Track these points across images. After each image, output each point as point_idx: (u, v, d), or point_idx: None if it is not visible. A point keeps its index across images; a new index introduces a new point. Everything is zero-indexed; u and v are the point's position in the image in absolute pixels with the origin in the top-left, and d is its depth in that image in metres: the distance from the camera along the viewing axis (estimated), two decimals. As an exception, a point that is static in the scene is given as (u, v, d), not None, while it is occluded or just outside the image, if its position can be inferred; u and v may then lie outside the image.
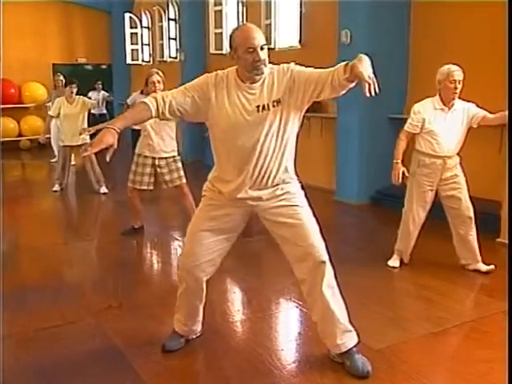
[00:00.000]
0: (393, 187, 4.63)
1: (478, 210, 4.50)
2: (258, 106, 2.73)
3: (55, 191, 8.05)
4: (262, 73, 2.72)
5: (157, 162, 5.33)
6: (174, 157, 5.41)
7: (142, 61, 14.06)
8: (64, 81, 9.17)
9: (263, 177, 2.83)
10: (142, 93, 9.58)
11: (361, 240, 5.80)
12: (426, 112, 4.37)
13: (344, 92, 2.67)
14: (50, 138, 10.04)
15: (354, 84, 2.58)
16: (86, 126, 7.85)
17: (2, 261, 4.81)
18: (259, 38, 2.66)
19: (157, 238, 5.81)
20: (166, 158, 5.35)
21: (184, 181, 5.43)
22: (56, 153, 8.89)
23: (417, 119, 4.39)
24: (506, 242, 5.10)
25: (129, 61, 14.22)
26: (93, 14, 14.48)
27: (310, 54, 8.45)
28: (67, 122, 7.75)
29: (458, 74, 4.24)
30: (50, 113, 8.04)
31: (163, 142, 5.31)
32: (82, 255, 5.45)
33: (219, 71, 2.83)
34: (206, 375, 3.03)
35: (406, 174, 4.42)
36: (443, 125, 4.36)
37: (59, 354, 3.22)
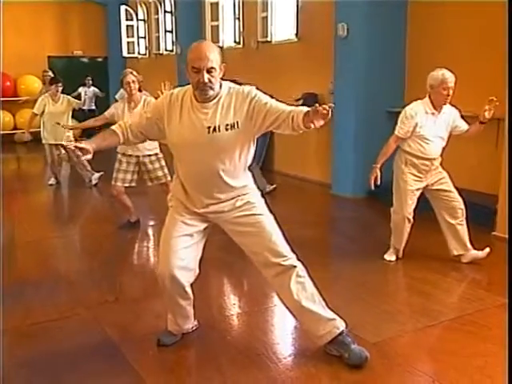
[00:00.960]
0: (390, 181, 4.62)
1: (474, 203, 4.51)
2: (208, 127, 2.72)
3: (51, 185, 8.05)
4: (206, 95, 2.68)
5: (141, 159, 5.45)
6: (156, 154, 5.51)
7: (138, 53, 14.02)
8: (53, 76, 9.04)
9: (220, 193, 2.87)
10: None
11: (357, 234, 5.80)
12: (417, 116, 4.32)
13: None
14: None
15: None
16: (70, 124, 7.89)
17: (1, 255, 4.80)
18: (208, 60, 2.61)
19: (152, 231, 5.81)
20: (149, 155, 5.46)
21: (169, 178, 5.45)
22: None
23: (409, 124, 4.34)
24: (502, 235, 5.11)
25: (125, 53, 14.17)
26: (89, 7, 14.40)
27: (306, 48, 8.45)
28: (51, 121, 7.73)
29: (451, 80, 4.20)
30: (34, 110, 7.94)
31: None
32: (77, 249, 5.45)
33: (177, 89, 2.86)
34: (202, 369, 3.03)
35: (378, 182, 4.40)
36: (433, 128, 4.35)
37: (55, 348, 3.21)
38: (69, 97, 8.10)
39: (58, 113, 7.76)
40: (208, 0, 10.72)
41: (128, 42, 14.08)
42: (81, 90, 12.07)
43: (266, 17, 9.24)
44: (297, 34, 8.60)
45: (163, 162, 5.55)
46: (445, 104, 4.29)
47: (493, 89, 5.45)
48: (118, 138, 2.86)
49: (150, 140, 3.20)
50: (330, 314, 2.99)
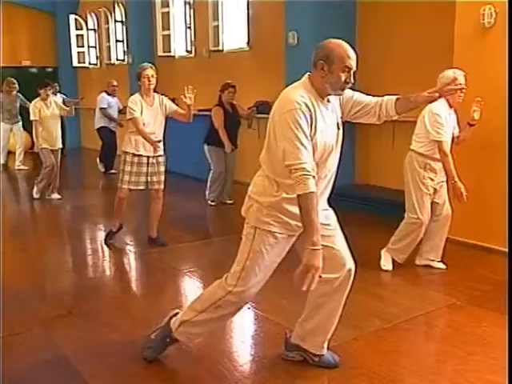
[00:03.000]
0: (349, 188, 4.65)
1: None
2: (337, 124, 2.70)
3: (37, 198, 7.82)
4: (342, 94, 2.68)
5: (151, 160, 5.21)
6: (163, 156, 5.31)
7: (89, 63, 13.81)
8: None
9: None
10: (107, 93, 9.77)
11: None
12: (445, 120, 4.30)
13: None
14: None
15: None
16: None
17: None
18: (355, 62, 2.58)
19: (108, 244, 5.70)
20: (161, 155, 5.25)
21: (162, 186, 5.34)
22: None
23: (446, 125, 4.28)
24: (454, 237, 5.23)
25: (75, 63, 13.93)
26: (36, 16, 14.09)
27: (258, 56, 8.52)
28: (48, 125, 7.53)
29: (462, 78, 4.22)
30: (33, 118, 7.56)
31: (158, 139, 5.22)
32: (30, 263, 5.30)
33: (296, 95, 2.54)
34: (158, 380, 2.99)
35: (465, 193, 4.24)
36: (450, 129, 4.37)
37: (6, 366, 3.11)
38: (56, 99, 7.99)
39: (54, 116, 7.61)
40: (159, 9, 10.68)
41: (78, 52, 13.84)
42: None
43: (218, 26, 9.26)
44: (248, 43, 8.66)
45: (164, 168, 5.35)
46: (458, 102, 4.31)
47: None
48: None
49: None
50: None
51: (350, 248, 2.88)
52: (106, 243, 5.53)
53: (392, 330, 3.56)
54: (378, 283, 4.31)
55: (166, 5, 10.51)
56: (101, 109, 9.77)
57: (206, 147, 7.18)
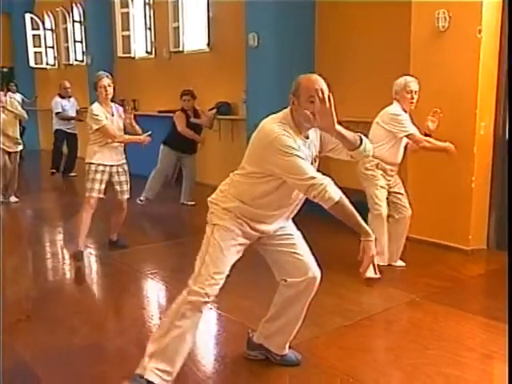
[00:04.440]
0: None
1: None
2: (314, 158, 2.69)
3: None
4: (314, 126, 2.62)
5: (114, 169, 5.09)
6: (124, 165, 5.19)
7: (47, 64, 13.57)
8: None
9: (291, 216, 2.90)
10: (60, 97, 9.46)
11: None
12: (406, 117, 4.45)
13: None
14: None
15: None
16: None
17: None
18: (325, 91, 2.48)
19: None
20: (121, 164, 5.13)
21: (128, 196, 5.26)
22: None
23: (407, 121, 4.43)
24: (413, 236, 5.34)
25: (32, 64, 13.67)
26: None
27: (218, 58, 8.53)
28: (5, 127, 7.32)
29: (413, 84, 4.41)
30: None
31: (117, 149, 5.12)
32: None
33: (277, 127, 2.53)
34: (118, 382, 2.97)
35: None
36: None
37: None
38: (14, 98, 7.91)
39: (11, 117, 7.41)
40: (118, 9, 10.54)
41: (35, 52, 13.58)
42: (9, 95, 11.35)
43: (178, 27, 9.23)
44: (208, 44, 8.66)
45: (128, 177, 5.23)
46: (410, 107, 4.44)
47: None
48: None
49: None
50: None
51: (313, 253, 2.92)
52: (76, 260, 5.07)
53: (353, 326, 3.62)
54: (339, 283, 4.37)
55: (125, 5, 10.38)
56: (56, 114, 9.49)
57: (161, 146, 7.19)
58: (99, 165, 5.01)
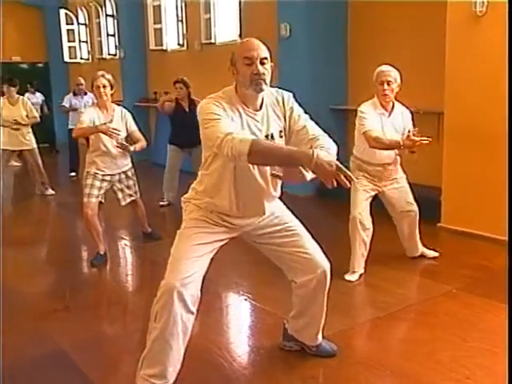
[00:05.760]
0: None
1: (418, 196, 4.58)
2: (266, 136, 2.53)
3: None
4: (261, 89, 2.43)
5: (116, 177, 4.84)
6: (131, 168, 4.98)
7: (81, 58, 13.76)
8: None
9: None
10: (74, 94, 9.21)
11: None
12: (370, 115, 4.04)
13: None
14: None
15: None
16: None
17: None
18: (261, 50, 2.43)
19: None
20: (126, 170, 4.90)
21: (138, 195, 5.12)
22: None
23: (368, 119, 4.01)
24: (447, 226, 5.26)
25: (66, 59, 13.86)
26: (23, 10, 13.95)
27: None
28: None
29: (386, 74, 3.97)
30: None
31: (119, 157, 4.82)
32: (25, 259, 5.29)
33: (214, 98, 2.45)
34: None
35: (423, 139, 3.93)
36: (381, 131, 4.06)
37: (5, 363, 3.11)
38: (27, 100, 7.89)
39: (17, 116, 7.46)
40: (150, 2, 10.62)
41: (69, 47, 13.76)
42: (28, 96, 11.39)
43: (209, 18, 9.25)
44: (240, 35, 8.64)
45: (135, 178, 5.01)
46: (386, 102, 4.07)
47: (433, 85, 5.64)
48: None
49: None
50: None
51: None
52: (92, 265, 4.82)
53: (387, 318, 3.58)
54: (372, 273, 4.32)
55: (157, -2, 10.46)
56: (60, 106, 9.30)
57: (168, 147, 6.84)
58: (97, 174, 4.73)
